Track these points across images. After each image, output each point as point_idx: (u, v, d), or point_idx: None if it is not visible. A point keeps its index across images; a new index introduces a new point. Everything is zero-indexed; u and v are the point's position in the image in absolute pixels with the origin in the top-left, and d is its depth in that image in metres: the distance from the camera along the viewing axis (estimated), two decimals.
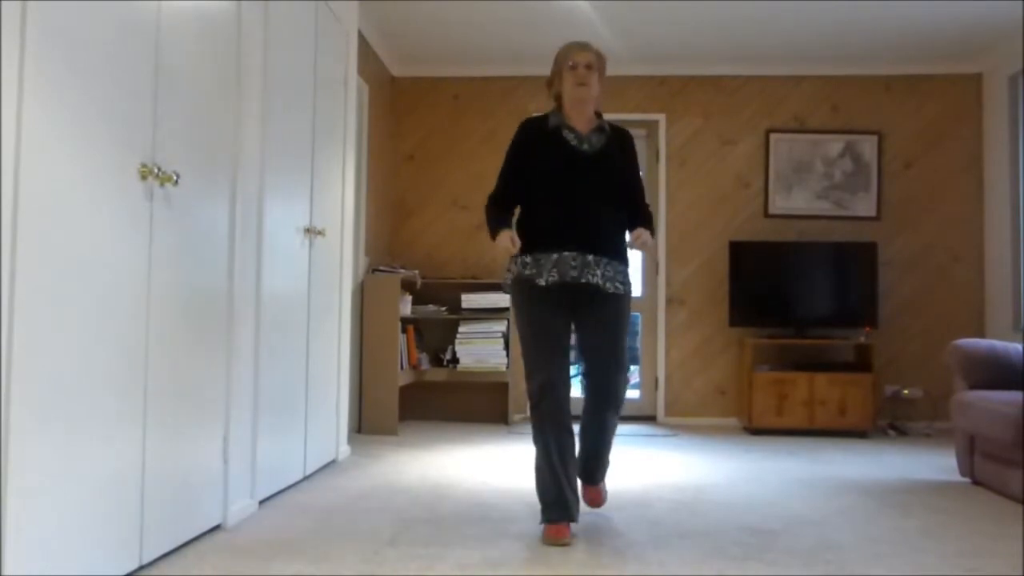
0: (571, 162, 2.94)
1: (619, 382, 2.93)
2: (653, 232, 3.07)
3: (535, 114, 3.12)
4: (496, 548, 2.64)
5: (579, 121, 3.01)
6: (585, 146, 2.97)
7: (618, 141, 3.06)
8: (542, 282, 2.82)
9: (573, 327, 2.96)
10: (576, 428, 2.98)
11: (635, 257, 6.08)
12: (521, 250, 2.91)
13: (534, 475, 2.88)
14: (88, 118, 2.02)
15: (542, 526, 2.80)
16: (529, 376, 2.86)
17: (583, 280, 2.83)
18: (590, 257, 2.85)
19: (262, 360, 3.14)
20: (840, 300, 5.69)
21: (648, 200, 3.30)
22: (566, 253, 2.84)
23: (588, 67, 2.97)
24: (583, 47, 3.01)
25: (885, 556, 2.61)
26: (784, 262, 5.70)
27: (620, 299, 2.92)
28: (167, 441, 2.44)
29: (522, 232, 2.96)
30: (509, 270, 2.99)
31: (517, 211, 3.05)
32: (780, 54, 5.75)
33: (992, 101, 5.76)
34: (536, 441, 2.86)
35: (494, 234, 2.92)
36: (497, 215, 2.99)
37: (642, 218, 3.06)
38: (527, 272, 2.88)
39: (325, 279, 3.93)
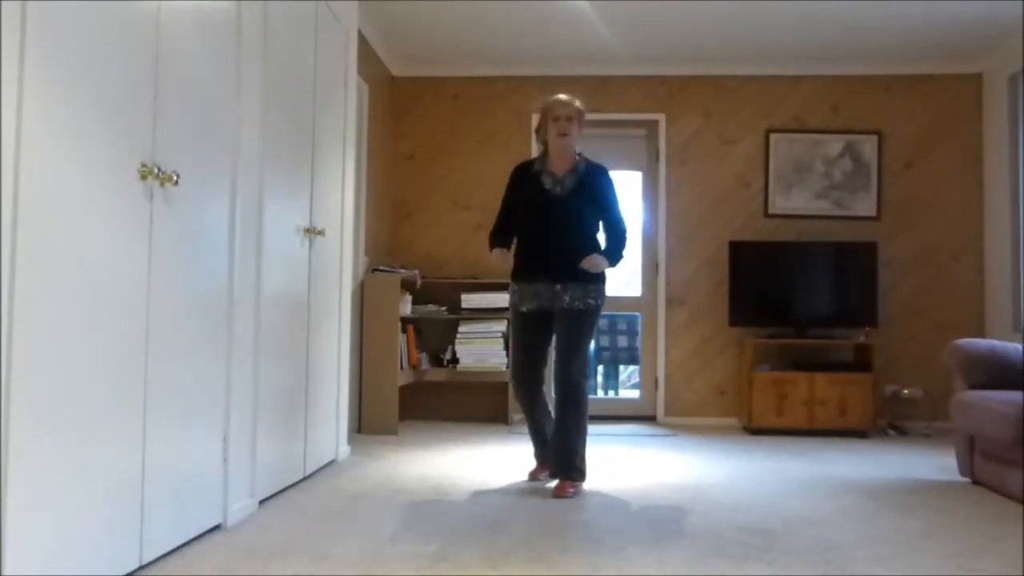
0: (545, 205, 3.62)
1: (574, 371, 3.53)
2: (618, 253, 3.66)
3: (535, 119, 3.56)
4: (496, 548, 2.64)
5: (559, 164, 3.66)
6: (558, 189, 3.62)
7: (591, 178, 3.64)
8: (524, 309, 3.66)
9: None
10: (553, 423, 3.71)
11: (634, 258, 6.09)
12: (513, 277, 3.71)
13: None
14: (88, 118, 2.02)
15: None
16: (512, 369, 3.79)
17: (555, 307, 3.60)
18: (558, 287, 3.57)
19: (262, 360, 3.14)
20: (840, 300, 5.69)
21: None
22: (539, 284, 3.61)
23: (568, 119, 3.61)
24: (565, 104, 3.63)
25: (885, 556, 2.61)
26: (784, 262, 5.70)
27: (587, 310, 3.58)
28: (167, 441, 2.44)
29: (515, 260, 3.73)
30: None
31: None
32: (780, 54, 5.75)
33: (992, 101, 5.76)
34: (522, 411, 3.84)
35: (491, 248, 3.76)
36: (495, 243, 3.77)
37: (610, 242, 3.67)
38: (514, 299, 3.70)
39: (325, 279, 3.93)
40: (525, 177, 3.70)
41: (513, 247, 3.78)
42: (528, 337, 3.69)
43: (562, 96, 3.67)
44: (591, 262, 3.52)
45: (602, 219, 3.66)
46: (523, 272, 3.67)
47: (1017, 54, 5.34)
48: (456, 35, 5.47)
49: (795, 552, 2.64)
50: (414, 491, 3.48)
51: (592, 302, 3.58)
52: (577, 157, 3.67)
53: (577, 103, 3.65)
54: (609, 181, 3.69)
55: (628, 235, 3.71)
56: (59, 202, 1.91)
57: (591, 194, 3.62)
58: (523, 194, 3.68)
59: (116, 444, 2.16)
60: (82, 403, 2.01)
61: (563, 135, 3.60)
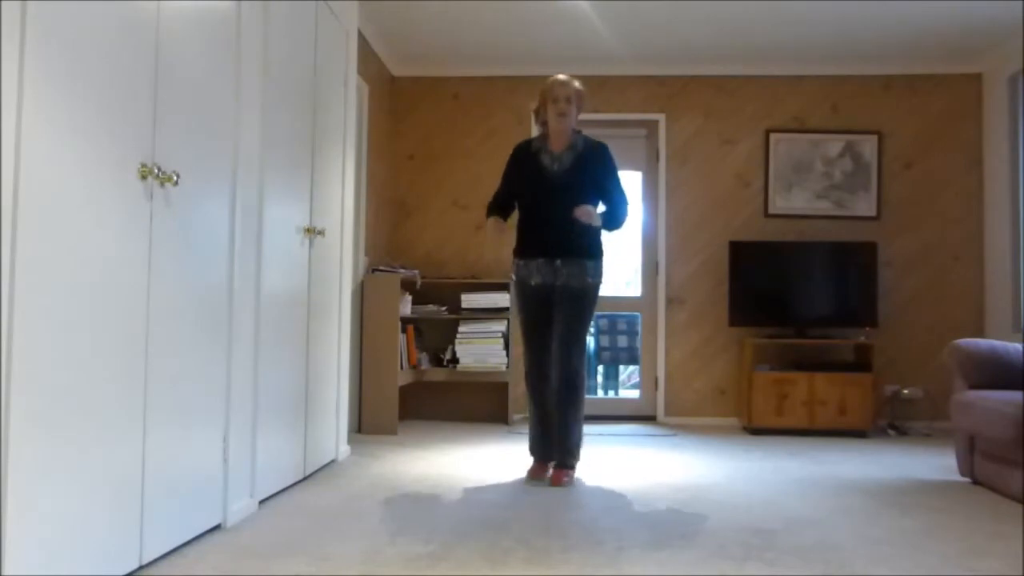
0: (544, 183, 3.70)
1: (575, 361, 3.65)
2: (616, 221, 3.72)
3: (531, 111, 3.88)
4: (496, 548, 2.64)
5: (557, 142, 3.74)
6: (556, 167, 3.70)
7: (589, 155, 3.71)
8: (532, 283, 3.73)
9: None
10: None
11: (635, 258, 6.09)
12: (515, 253, 3.81)
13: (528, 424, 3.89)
14: (88, 118, 2.02)
15: (530, 463, 3.85)
16: (525, 350, 3.81)
17: (557, 283, 3.69)
18: (558, 262, 3.68)
19: (262, 360, 3.14)
20: (840, 300, 5.69)
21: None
22: (541, 260, 3.71)
23: (567, 100, 3.68)
24: (564, 84, 3.70)
25: (886, 556, 2.61)
26: (784, 262, 5.70)
27: (584, 289, 3.67)
28: (167, 441, 2.44)
29: (517, 236, 3.82)
30: (513, 269, 3.87)
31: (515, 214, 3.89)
32: (780, 54, 5.75)
33: (992, 101, 5.76)
34: (528, 399, 3.84)
35: (488, 216, 3.84)
36: (493, 212, 3.86)
37: (609, 210, 3.71)
38: (521, 273, 3.78)
39: (325, 279, 3.93)
40: (525, 157, 3.78)
41: (512, 223, 3.86)
42: (534, 313, 3.75)
43: (561, 77, 3.74)
44: (583, 211, 3.54)
45: (602, 196, 3.71)
46: (524, 249, 3.77)
47: (1017, 54, 5.34)
48: (456, 35, 5.47)
49: (795, 552, 2.64)
50: (414, 491, 3.48)
51: (590, 280, 3.67)
52: (575, 135, 3.74)
53: (576, 84, 3.73)
54: (608, 158, 3.74)
55: (629, 210, 3.76)
56: (59, 202, 1.91)
57: (590, 171, 3.68)
58: (523, 173, 3.77)
59: (116, 444, 2.16)
60: (82, 403, 2.01)
61: (562, 115, 3.67)
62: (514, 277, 3.82)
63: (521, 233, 3.80)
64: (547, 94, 3.71)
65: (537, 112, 3.81)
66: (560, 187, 3.65)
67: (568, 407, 3.65)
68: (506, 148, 6.00)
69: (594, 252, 3.70)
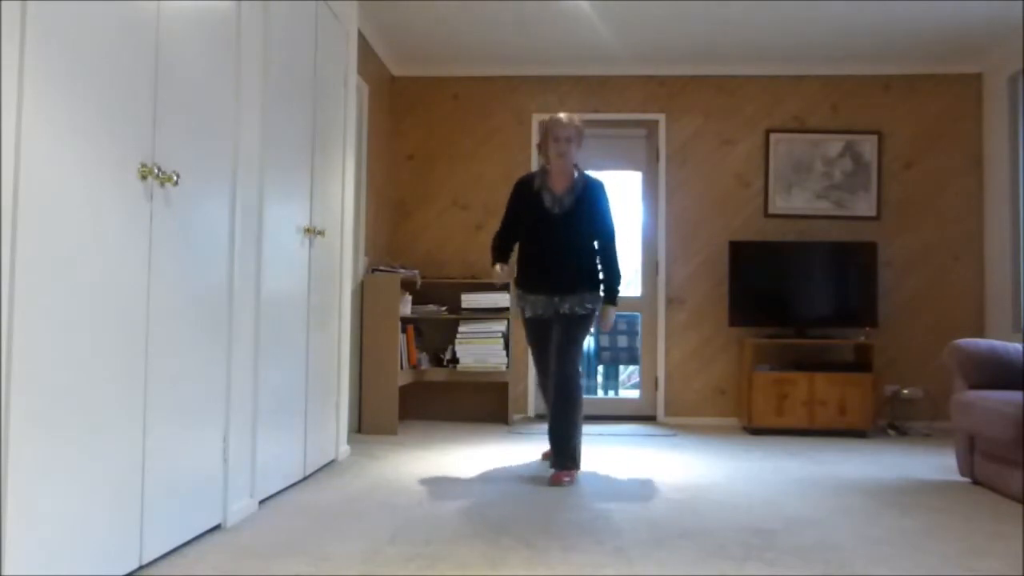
0: (545, 221, 3.87)
1: (566, 369, 3.77)
2: (615, 276, 3.94)
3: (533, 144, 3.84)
4: (496, 548, 2.64)
5: (559, 182, 3.89)
6: (556, 209, 3.86)
7: (588, 194, 3.87)
8: (530, 313, 3.98)
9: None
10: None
11: (635, 258, 6.09)
12: (516, 284, 4.03)
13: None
14: (88, 118, 2.02)
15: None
16: (534, 362, 4.15)
17: (556, 312, 3.87)
18: (556, 299, 3.87)
19: (262, 360, 3.14)
20: (840, 300, 5.69)
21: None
22: (541, 296, 3.91)
23: (567, 140, 3.84)
24: (565, 125, 3.84)
25: (886, 556, 2.61)
26: (784, 262, 5.70)
27: (583, 315, 3.85)
28: (167, 441, 2.44)
29: (519, 269, 4.02)
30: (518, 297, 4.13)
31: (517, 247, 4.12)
32: (780, 54, 5.75)
33: (992, 101, 5.76)
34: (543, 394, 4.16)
35: (493, 264, 4.08)
36: (497, 253, 4.09)
37: (608, 274, 3.92)
38: (521, 304, 4.02)
39: (325, 279, 3.93)
40: (527, 193, 3.93)
41: (514, 257, 4.07)
42: (538, 335, 4.03)
43: (562, 117, 3.88)
44: (607, 323, 3.95)
45: (596, 234, 3.92)
46: (525, 283, 3.98)
47: (1017, 54, 5.34)
48: (456, 35, 5.47)
49: (795, 552, 2.64)
50: (414, 491, 3.49)
51: (589, 307, 3.87)
52: (576, 175, 3.90)
53: (576, 121, 3.88)
54: (604, 195, 3.93)
55: (617, 246, 3.95)
56: (59, 202, 1.91)
57: (588, 210, 3.87)
58: (524, 209, 3.94)
59: (116, 444, 2.16)
60: (82, 403, 2.01)
61: (562, 155, 3.84)
62: (519, 304, 4.05)
63: (522, 267, 3.99)
64: (548, 133, 3.87)
65: (540, 147, 4.02)
66: (561, 227, 3.85)
67: (564, 413, 3.75)
68: (506, 148, 6.01)
69: (593, 285, 3.90)
